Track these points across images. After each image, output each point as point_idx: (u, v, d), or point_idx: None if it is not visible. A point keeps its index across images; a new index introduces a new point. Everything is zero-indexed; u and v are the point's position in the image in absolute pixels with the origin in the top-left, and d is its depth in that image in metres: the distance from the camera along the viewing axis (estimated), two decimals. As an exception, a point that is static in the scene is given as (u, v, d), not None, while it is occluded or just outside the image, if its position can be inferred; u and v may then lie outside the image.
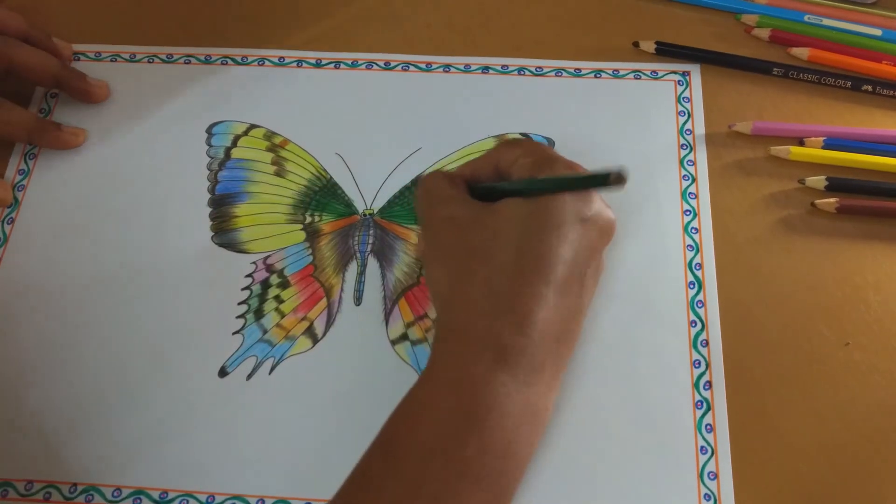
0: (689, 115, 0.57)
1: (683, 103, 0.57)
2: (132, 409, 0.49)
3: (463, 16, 0.62)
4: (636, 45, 0.60)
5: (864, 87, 0.57)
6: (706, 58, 0.59)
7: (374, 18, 0.63)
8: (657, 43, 0.59)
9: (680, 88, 0.58)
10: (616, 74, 0.59)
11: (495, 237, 0.43)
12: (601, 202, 0.45)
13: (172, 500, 0.46)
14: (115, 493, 0.46)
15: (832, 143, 0.55)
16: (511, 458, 0.40)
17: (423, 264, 0.50)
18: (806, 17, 0.60)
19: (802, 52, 0.59)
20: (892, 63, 0.58)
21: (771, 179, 0.55)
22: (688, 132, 0.56)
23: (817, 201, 0.53)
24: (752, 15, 0.61)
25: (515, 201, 0.44)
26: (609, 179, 0.40)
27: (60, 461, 0.47)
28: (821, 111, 0.57)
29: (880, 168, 0.54)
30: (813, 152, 0.55)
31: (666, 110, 0.57)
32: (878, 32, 0.59)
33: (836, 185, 0.53)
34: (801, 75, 0.58)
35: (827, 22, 0.60)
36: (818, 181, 0.54)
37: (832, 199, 0.53)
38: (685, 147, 0.56)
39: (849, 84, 0.57)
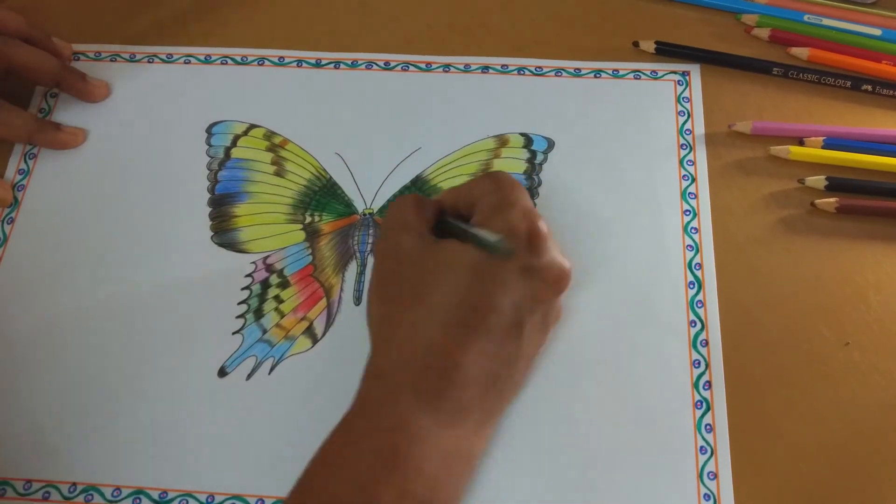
0: (688, 115, 0.57)
1: (683, 103, 0.57)
2: (132, 408, 0.49)
3: (463, 16, 0.62)
4: (636, 45, 0.60)
5: (864, 87, 0.57)
6: (706, 58, 0.59)
7: (374, 18, 0.63)
8: (657, 43, 0.59)
9: (680, 88, 0.58)
10: (616, 74, 0.59)
11: (433, 278, 0.42)
12: (554, 251, 0.44)
13: (172, 499, 0.46)
14: (115, 493, 0.46)
15: (832, 142, 0.55)
16: (431, 503, 0.40)
17: (367, 296, 0.49)
18: (806, 17, 0.60)
19: (802, 52, 0.59)
20: (891, 63, 0.58)
21: (771, 179, 0.55)
22: (687, 132, 0.56)
23: (817, 201, 0.53)
24: (752, 15, 0.61)
25: (461, 246, 0.43)
26: (496, 248, 0.41)
27: (60, 460, 0.47)
28: (821, 111, 0.57)
29: (880, 168, 0.54)
30: (813, 152, 0.55)
31: (666, 110, 0.57)
32: (877, 32, 0.59)
33: (836, 185, 0.53)
34: (801, 75, 0.58)
35: (827, 22, 0.60)
36: (818, 181, 0.54)
37: (832, 199, 0.53)
38: (685, 147, 0.56)
39: (849, 84, 0.57)
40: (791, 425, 0.47)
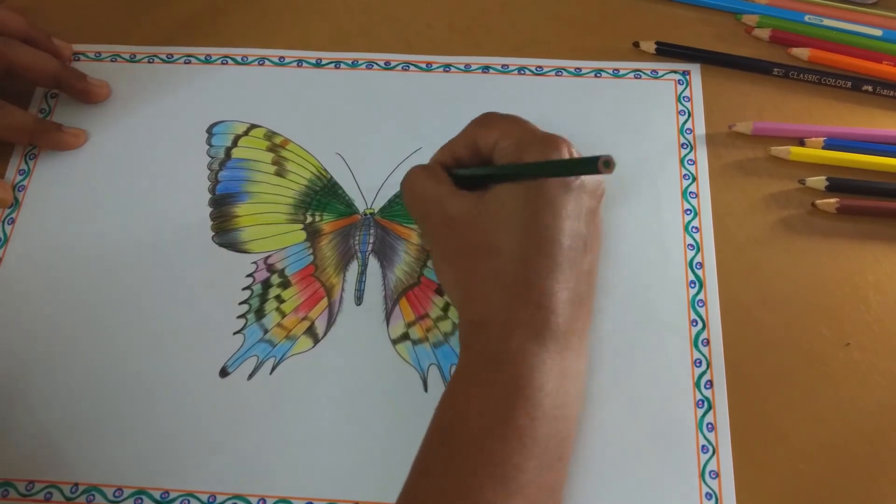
0: (689, 115, 0.57)
1: (684, 102, 0.57)
2: (133, 409, 0.48)
3: (463, 16, 0.62)
4: (636, 45, 0.60)
5: (865, 88, 0.57)
6: (706, 58, 0.59)
7: (374, 18, 0.63)
8: (657, 43, 0.59)
9: (680, 88, 0.58)
10: (616, 74, 0.59)
11: (495, 228, 0.44)
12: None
13: (174, 499, 0.46)
14: (117, 493, 0.46)
15: (832, 143, 0.55)
16: (559, 421, 0.41)
17: (433, 266, 0.51)
18: (806, 18, 0.60)
19: (803, 53, 0.59)
20: (892, 63, 0.58)
21: (771, 180, 0.55)
22: (688, 131, 0.56)
23: (818, 201, 0.53)
24: (753, 15, 0.61)
25: (506, 188, 0.44)
26: (597, 165, 0.40)
27: (61, 461, 0.47)
28: (821, 111, 0.57)
29: (881, 168, 0.54)
30: (813, 152, 0.55)
31: (666, 109, 0.57)
32: (878, 32, 0.59)
33: (837, 186, 0.53)
34: (802, 75, 0.58)
35: (827, 22, 0.60)
36: (818, 181, 0.54)
37: (832, 200, 0.53)
38: (685, 146, 0.56)
39: (849, 84, 0.58)
40: (791, 425, 0.47)
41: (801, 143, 0.56)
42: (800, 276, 0.51)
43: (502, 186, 0.45)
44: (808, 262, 0.52)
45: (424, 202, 0.48)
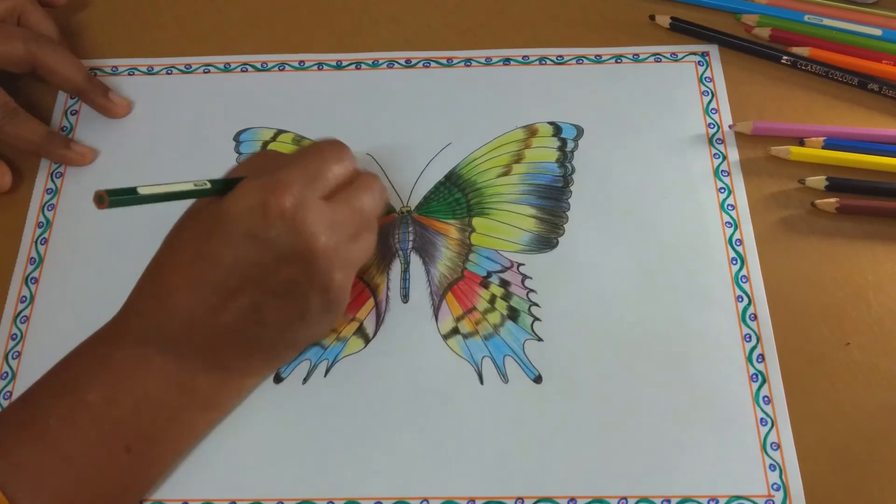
0: (712, 94, 0.58)
1: (706, 83, 0.58)
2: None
3: (469, 12, 0.63)
4: (652, 18, 0.61)
5: (871, 86, 0.57)
6: (719, 38, 0.60)
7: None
8: (672, 18, 0.60)
9: (701, 69, 0.59)
10: (636, 59, 0.60)
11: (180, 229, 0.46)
12: (308, 226, 0.42)
13: (240, 509, 0.46)
14: (182, 507, 0.46)
15: (832, 143, 0.55)
16: (141, 417, 0.43)
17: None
18: (806, 17, 0.61)
19: (803, 52, 0.59)
20: (891, 62, 0.58)
21: (771, 179, 0.55)
22: (713, 111, 0.57)
23: (817, 201, 0.54)
24: (753, 15, 0.61)
25: (217, 201, 0.44)
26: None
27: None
28: (822, 111, 0.58)
29: (880, 168, 0.55)
30: (813, 152, 0.55)
31: (690, 90, 0.58)
32: (878, 32, 0.60)
33: (837, 185, 0.54)
34: (810, 66, 0.58)
35: (827, 22, 0.60)
36: (818, 181, 0.54)
37: (832, 199, 0.53)
38: (712, 126, 0.56)
39: (856, 81, 0.58)
40: (793, 424, 0.47)
41: (801, 142, 0.56)
42: (800, 277, 0.52)
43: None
44: (808, 263, 0.52)
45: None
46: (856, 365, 0.49)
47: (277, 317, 0.44)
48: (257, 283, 0.43)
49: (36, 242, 0.54)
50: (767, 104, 0.58)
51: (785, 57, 0.59)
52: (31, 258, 0.53)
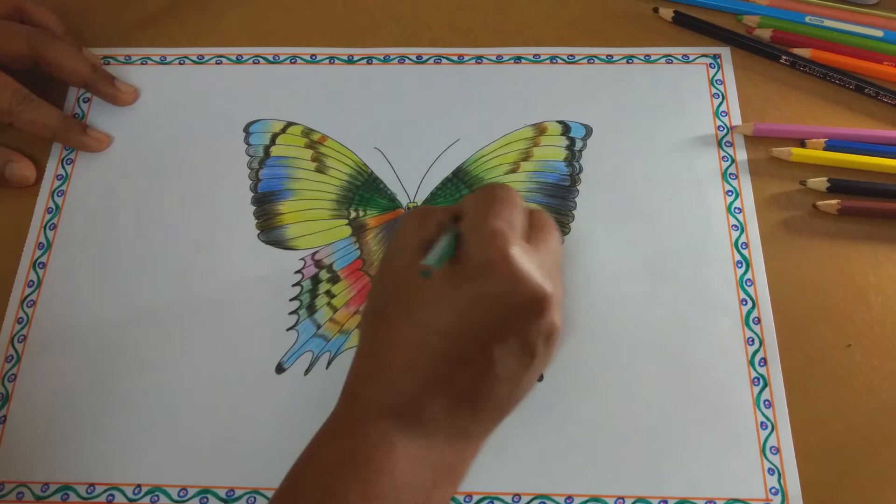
0: (723, 98, 0.57)
1: (717, 85, 0.58)
2: (191, 408, 0.48)
3: (474, 8, 0.63)
4: (656, 11, 0.61)
5: (867, 91, 0.57)
6: (720, 34, 0.60)
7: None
8: (675, 12, 0.60)
9: (712, 71, 0.59)
10: (648, 59, 0.59)
11: (407, 302, 0.42)
12: (530, 274, 0.40)
13: (239, 497, 0.46)
14: (182, 493, 0.46)
15: (834, 144, 0.55)
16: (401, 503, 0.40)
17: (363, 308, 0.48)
18: (807, 19, 0.61)
19: (804, 53, 0.59)
20: (892, 64, 0.58)
21: (772, 181, 0.55)
22: (723, 114, 0.57)
23: (819, 203, 0.53)
24: (754, 16, 0.61)
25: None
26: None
27: (124, 463, 0.47)
28: (823, 112, 0.57)
29: (882, 169, 0.54)
30: (814, 154, 0.55)
31: (700, 93, 0.58)
32: (879, 33, 0.59)
33: (838, 187, 0.54)
34: (808, 68, 0.58)
35: (828, 23, 0.60)
36: (820, 183, 0.54)
37: (833, 201, 0.53)
38: (722, 129, 0.56)
39: (853, 85, 0.57)
40: (791, 425, 0.47)
41: (803, 144, 0.56)
42: (801, 278, 0.52)
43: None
44: (809, 264, 0.52)
45: (393, 237, 0.46)
46: (857, 366, 0.49)
47: (511, 370, 0.42)
48: (490, 342, 0.41)
49: (45, 228, 0.55)
50: (774, 105, 0.57)
51: (784, 57, 0.58)
52: (40, 243, 0.54)
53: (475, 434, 0.44)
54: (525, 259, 0.41)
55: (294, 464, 0.41)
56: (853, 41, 0.59)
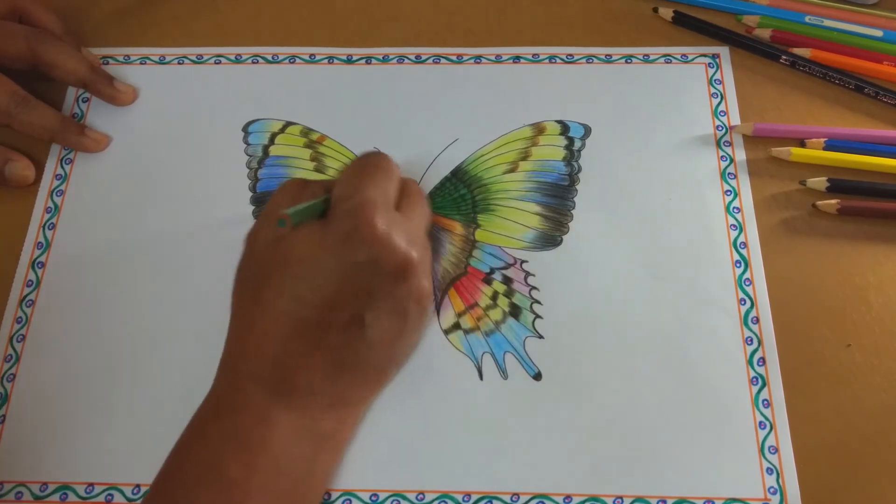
0: (722, 97, 0.57)
1: (715, 85, 0.58)
2: (193, 407, 0.48)
3: (475, 11, 0.63)
4: (655, 10, 0.61)
5: (867, 91, 0.57)
6: (720, 34, 0.60)
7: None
8: (675, 12, 0.60)
9: (711, 70, 0.59)
10: (647, 59, 0.59)
11: (275, 272, 0.43)
12: (394, 240, 0.43)
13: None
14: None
15: (833, 144, 0.55)
16: (283, 477, 0.41)
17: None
18: (807, 19, 0.60)
19: (804, 53, 0.59)
20: (892, 63, 0.58)
21: (772, 180, 0.55)
22: (722, 113, 0.57)
23: (818, 202, 0.53)
24: (754, 16, 0.61)
25: (300, 234, 0.43)
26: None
27: (123, 463, 0.48)
28: (822, 112, 0.57)
29: (882, 169, 0.54)
30: (814, 153, 0.55)
31: (699, 93, 0.58)
32: (878, 33, 0.59)
33: (838, 187, 0.53)
34: (808, 68, 0.58)
35: (828, 23, 0.60)
36: (819, 182, 0.54)
37: (833, 201, 0.53)
38: (721, 128, 0.56)
39: (853, 85, 0.57)
40: (792, 426, 0.47)
41: (802, 144, 0.56)
42: (801, 278, 0.52)
43: (300, 236, 0.43)
44: (809, 264, 0.52)
45: (264, 212, 0.47)
46: (857, 366, 0.49)
47: (384, 335, 0.44)
48: (361, 308, 0.43)
49: (44, 227, 0.55)
50: (773, 105, 0.57)
51: (783, 57, 0.58)
52: (39, 242, 0.54)
53: (355, 401, 0.45)
54: (391, 226, 0.43)
55: (177, 441, 0.42)
56: (853, 41, 0.59)
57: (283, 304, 0.43)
